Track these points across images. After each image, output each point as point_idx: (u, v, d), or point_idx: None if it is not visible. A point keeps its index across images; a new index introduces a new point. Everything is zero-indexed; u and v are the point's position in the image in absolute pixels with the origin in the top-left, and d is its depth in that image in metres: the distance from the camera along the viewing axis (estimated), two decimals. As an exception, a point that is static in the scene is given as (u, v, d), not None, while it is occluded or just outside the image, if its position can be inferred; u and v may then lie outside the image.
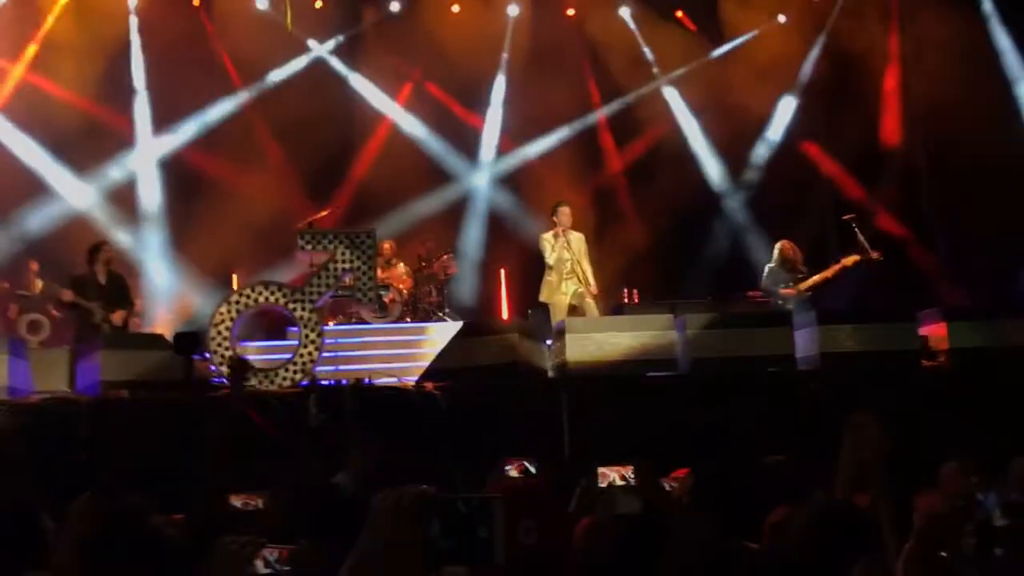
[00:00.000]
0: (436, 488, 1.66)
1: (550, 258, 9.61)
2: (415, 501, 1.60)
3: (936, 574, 2.67)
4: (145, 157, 12.74)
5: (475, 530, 1.59)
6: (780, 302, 9.63)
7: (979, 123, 11.49)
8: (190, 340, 7.38)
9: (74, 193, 12.18)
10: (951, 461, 4.73)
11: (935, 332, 8.18)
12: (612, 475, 2.69)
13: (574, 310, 9.50)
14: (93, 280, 8.80)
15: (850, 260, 9.66)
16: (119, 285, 8.99)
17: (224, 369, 7.57)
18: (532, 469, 3.37)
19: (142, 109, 12.78)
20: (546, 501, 1.89)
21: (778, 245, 9.93)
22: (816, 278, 9.67)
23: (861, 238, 9.76)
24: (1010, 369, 7.51)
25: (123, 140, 12.67)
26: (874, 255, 9.68)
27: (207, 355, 7.65)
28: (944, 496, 4.36)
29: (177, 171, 12.75)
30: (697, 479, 4.31)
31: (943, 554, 3.27)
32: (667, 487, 3.86)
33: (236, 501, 4.43)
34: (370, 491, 1.69)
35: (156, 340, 8.17)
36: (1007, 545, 2.98)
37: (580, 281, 9.58)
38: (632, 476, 3.38)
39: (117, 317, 8.70)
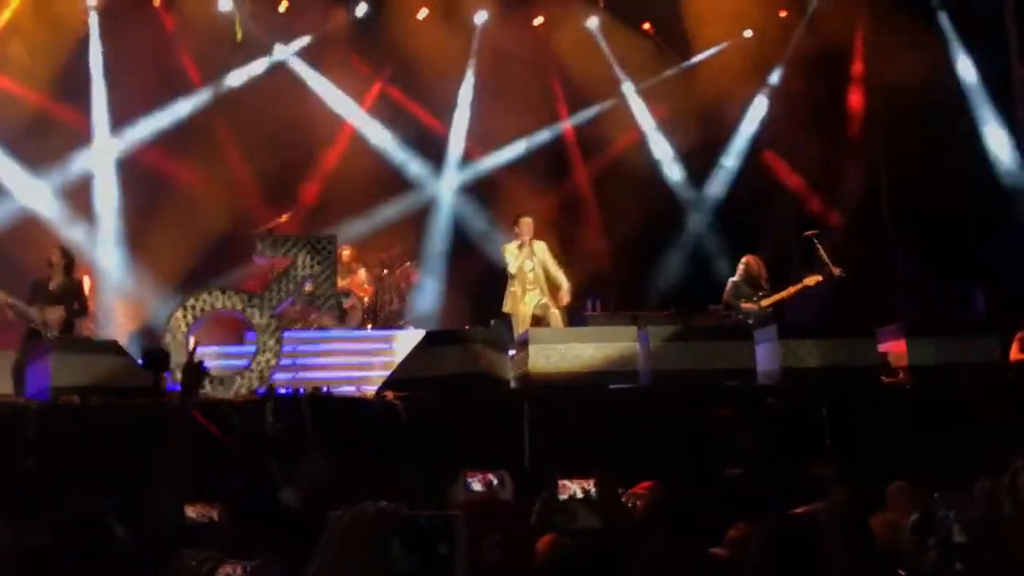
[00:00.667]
0: (395, 504, 1.60)
1: (512, 267, 9.63)
2: (374, 519, 1.54)
3: None
4: (102, 156, 12.49)
5: (436, 548, 1.54)
6: (742, 316, 9.67)
7: (940, 142, 11.68)
8: (160, 358, 7.26)
9: (27, 191, 11.91)
10: (899, 481, 4.74)
11: (895, 348, 8.26)
12: (573, 487, 2.64)
13: (538, 321, 9.51)
14: (44, 284, 8.63)
15: (812, 280, 9.75)
16: (71, 291, 8.76)
17: (177, 374, 7.41)
18: (496, 482, 3.31)
19: (100, 107, 12.53)
20: (512, 515, 1.83)
21: (743, 260, 9.99)
22: (777, 296, 9.74)
23: (823, 254, 9.84)
24: (968, 386, 7.59)
25: (80, 138, 12.43)
26: (836, 271, 9.77)
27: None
28: (896, 514, 4.37)
29: (134, 172, 12.50)
30: (659, 493, 4.28)
31: (901, 572, 3.26)
32: (628, 502, 3.83)
33: (191, 512, 4.31)
34: (321, 506, 1.62)
35: (110, 346, 7.99)
36: (967, 560, 2.97)
37: (543, 292, 9.59)
38: (593, 489, 3.34)
39: (52, 314, 8.45)
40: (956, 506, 3.09)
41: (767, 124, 14.13)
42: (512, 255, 9.67)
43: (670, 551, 2.48)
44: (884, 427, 7.13)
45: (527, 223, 9.72)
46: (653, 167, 14.03)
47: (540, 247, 9.77)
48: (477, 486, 3.28)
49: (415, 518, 1.57)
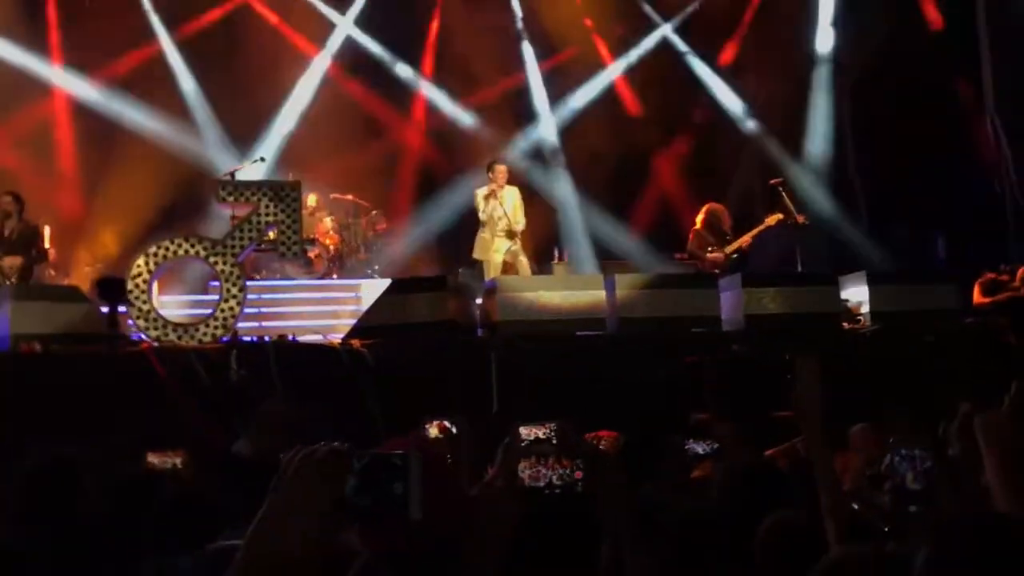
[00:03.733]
0: (347, 444, 1.60)
1: (483, 214, 9.60)
2: (325, 458, 1.54)
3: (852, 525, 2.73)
4: (60, 101, 12.21)
5: (391, 485, 1.55)
6: (707, 265, 9.72)
7: (904, 86, 11.73)
8: (114, 287, 7.17)
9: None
10: (861, 424, 4.84)
11: (857, 295, 8.37)
12: (534, 434, 2.66)
13: (507, 267, 9.51)
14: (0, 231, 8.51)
15: (773, 219, 9.79)
16: (28, 236, 8.64)
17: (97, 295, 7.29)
18: (453, 429, 3.32)
19: (57, 51, 12.22)
20: (436, 466, 1.83)
21: (705, 208, 10.01)
22: (741, 239, 9.79)
23: (788, 202, 9.89)
24: (929, 332, 7.73)
25: (38, 84, 12.13)
26: (800, 219, 9.82)
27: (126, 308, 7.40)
28: (856, 456, 4.46)
29: (93, 118, 12.25)
30: (624, 440, 4.32)
31: (855, 506, 3.35)
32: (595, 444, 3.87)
33: (153, 459, 4.30)
34: (279, 452, 1.62)
35: (70, 292, 7.89)
36: (920, 504, 3.04)
37: (513, 238, 9.59)
38: (553, 435, 3.36)
39: (9, 263, 8.34)
40: (910, 452, 3.15)
41: (733, 73, 14.08)
42: (483, 201, 9.67)
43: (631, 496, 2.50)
44: (846, 373, 7.23)
45: (501, 170, 9.75)
46: (621, 115, 13.94)
47: (511, 193, 9.75)
48: (434, 432, 3.29)
49: (368, 456, 1.57)
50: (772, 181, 10.24)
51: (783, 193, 9.96)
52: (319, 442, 1.61)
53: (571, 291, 7.94)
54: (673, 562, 2.44)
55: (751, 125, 13.89)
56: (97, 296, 7.23)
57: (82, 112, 12.29)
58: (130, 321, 7.52)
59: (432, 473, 1.62)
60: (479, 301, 8.49)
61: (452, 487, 1.92)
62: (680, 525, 2.78)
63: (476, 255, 9.80)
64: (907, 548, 1.89)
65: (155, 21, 12.71)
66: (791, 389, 2.81)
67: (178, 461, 4.17)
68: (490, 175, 9.75)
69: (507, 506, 2.01)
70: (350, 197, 12.07)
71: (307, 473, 1.52)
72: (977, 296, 9.50)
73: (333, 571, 1.79)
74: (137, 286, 7.48)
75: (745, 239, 9.77)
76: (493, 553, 1.86)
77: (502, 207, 9.59)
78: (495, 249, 9.62)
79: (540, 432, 2.73)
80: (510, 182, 9.91)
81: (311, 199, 11.55)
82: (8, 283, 8.20)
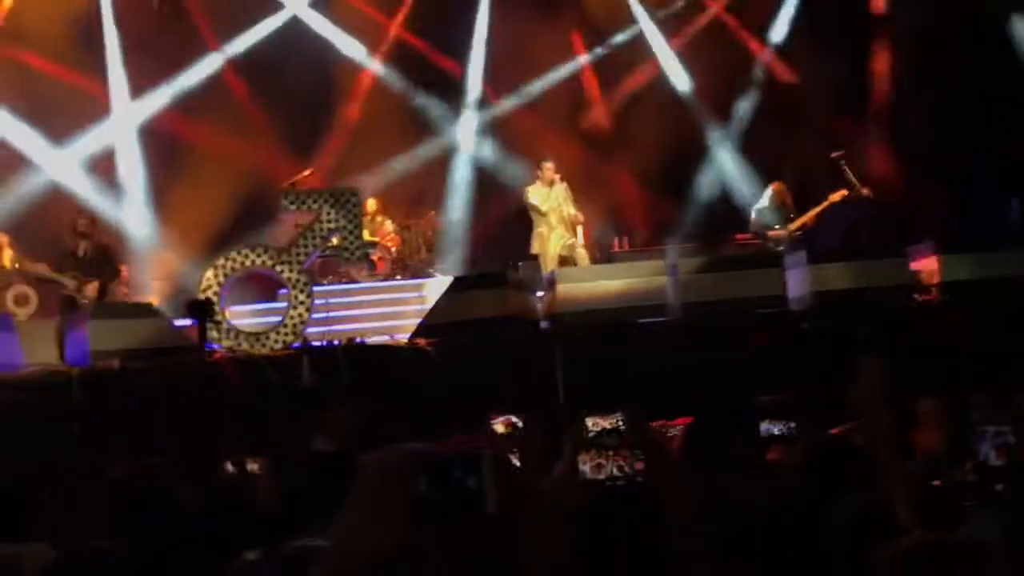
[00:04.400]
0: (423, 444, 1.62)
1: (543, 207, 9.71)
2: (401, 459, 1.56)
3: (933, 504, 2.67)
4: (122, 124, 12.53)
5: (464, 482, 1.57)
6: (771, 244, 9.59)
7: (967, 52, 11.38)
8: (202, 307, 7.39)
9: (52, 163, 11.99)
10: (929, 399, 4.69)
11: (927, 266, 8.17)
12: (600, 425, 2.65)
13: (564, 261, 9.52)
14: (72, 253, 8.80)
15: (837, 195, 9.63)
16: (101, 256, 8.92)
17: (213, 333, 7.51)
18: (519, 423, 3.34)
19: (117, 75, 12.54)
20: (504, 462, 1.85)
21: (769, 187, 9.88)
22: (805, 217, 9.63)
23: (850, 175, 9.71)
24: (1004, 300, 7.50)
25: (100, 108, 12.46)
26: (864, 191, 9.64)
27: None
28: (928, 432, 4.34)
29: (156, 137, 12.55)
30: (689, 427, 4.29)
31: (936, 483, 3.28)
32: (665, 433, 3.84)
33: (231, 466, 4.41)
34: (354, 451, 1.66)
35: (145, 309, 8.13)
36: (1005, 481, 2.98)
37: (569, 231, 9.63)
38: (620, 425, 3.35)
39: (91, 288, 8.65)
40: (992, 428, 3.08)
41: (788, 47, 13.82)
42: (540, 196, 9.79)
43: (701, 488, 2.49)
44: (918, 346, 7.08)
45: (549, 167, 9.89)
46: (674, 97, 13.79)
47: (562, 187, 9.83)
48: (500, 428, 3.31)
49: (442, 455, 1.59)
50: (833, 155, 10.05)
51: (845, 166, 9.77)
52: (392, 442, 1.64)
53: (633, 278, 7.92)
54: (739, 553, 2.41)
55: (808, 98, 13.62)
56: (188, 317, 7.48)
57: (144, 131, 12.59)
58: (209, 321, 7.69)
59: (502, 469, 1.64)
60: (540, 294, 8.51)
61: (519, 482, 1.94)
62: (747, 513, 2.76)
63: (534, 250, 9.90)
64: (978, 533, 1.85)
65: (209, 37, 12.94)
66: (852, 390, 2.76)
67: (256, 468, 4.27)
68: (539, 172, 9.96)
69: (568, 499, 2.02)
70: (409, 199, 12.15)
71: (385, 474, 1.55)
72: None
73: (412, 570, 1.82)
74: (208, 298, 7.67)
75: (809, 216, 9.62)
76: (557, 547, 1.88)
77: (565, 195, 9.70)
78: (552, 242, 9.66)
79: (607, 423, 2.73)
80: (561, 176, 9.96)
81: (370, 203, 11.69)
82: (85, 303, 8.47)
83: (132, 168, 12.44)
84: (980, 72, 11.47)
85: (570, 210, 9.76)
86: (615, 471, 2.09)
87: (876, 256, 8.07)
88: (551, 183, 9.78)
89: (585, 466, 2.10)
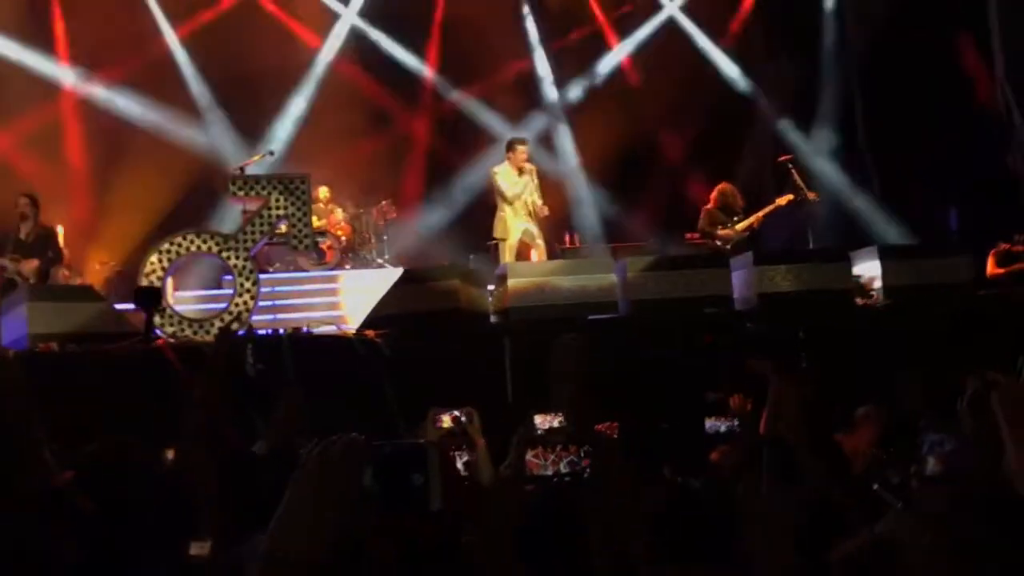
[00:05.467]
0: (366, 436, 1.61)
1: (510, 191, 9.24)
2: (344, 451, 1.55)
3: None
4: (68, 102, 12.27)
5: (409, 477, 1.56)
6: (718, 243, 9.71)
7: (914, 60, 11.63)
8: (150, 296, 7.26)
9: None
10: (866, 405, 4.78)
11: (869, 271, 8.34)
12: (548, 423, 2.67)
13: (524, 247, 9.35)
14: (15, 236, 8.61)
15: (784, 199, 9.80)
16: (43, 238, 8.72)
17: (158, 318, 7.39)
18: (464, 419, 3.35)
19: (63, 51, 12.26)
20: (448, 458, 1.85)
21: (717, 188, 9.99)
22: (752, 218, 9.77)
23: (797, 179, 9.87)
24: (944, 306, 7.68)
25: (44, 84, 12.17)
26: (810, 196, 9.80)
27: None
28: (861, 438, 4.42)
29: (102, 116, 12.30)
30: (627, 426, 4.33)
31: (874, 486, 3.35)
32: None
33: (172, 454, 4.34)
34: (297, 445, 1.64)
35: (85, 292, 7.95)
36: (941, 489, 3.04)
37: (532, 218, 9.33)
38: (567, 424, 3.38)
39: (27, 267, 8.45)
40: (935, 436, 3.14)
41: (740, 54, 14.00)
42: (508, 180, 9.24)
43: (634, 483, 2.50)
44: (859, 349, 7.22)
45: (523, 150, 9.31)
46: (629, 96, 13.88)
47: (530, 171, 9.36)
48: (447, 423, 3.32)
49: (386, 448, 1.58)
50: (781, 158, 10.21)
51: (793, 170, 9.93)
52: (337, 434, 1.61)
53: (582, 275, 7.94)
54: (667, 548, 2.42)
55: (759, 102, 13.82)
56: (135, 304, 7.35)
57: (90, 111, 12.33)
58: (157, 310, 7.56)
59: (445, 465, 1.64)
60: (491, 288, 8.51)
61: (463, 478, 1.95)
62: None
63: (496, 234, 9.46)
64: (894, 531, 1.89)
65: (159, 17, 12.72)
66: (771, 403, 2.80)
67: (191, 456, 4.21)
68: (509, 155, 9.34)
69: (515, 495, 2.03)
70: (361, 188, 12.08)
71: (327, 466, 1.53)
72: (991, 267, 9.45)
73: (354, 564, 1.81)
74: (151, 283, 7.53)
75: (756, 217, 9.76)
76: (503, 542, 1.88)
77: (532, 184, 9.26)
78: (515, 229, 9.34)
79: (556, 421, 2.75)
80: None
81: (322, 191, 11.59)
82: (25, 284, 8.27)
83: (76, 147, 12.18)
84: (923, 83, 11.73)
85: (536, 199, 9.33)
86: (564, 468, 2.11)
87: (820, 259, 8.21)
88: (520, 169, 9.27)
89: (532, 462, 2.12)
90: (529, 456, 2.14)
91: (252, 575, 1.48)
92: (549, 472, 2.12)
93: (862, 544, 2.21)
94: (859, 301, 8.12)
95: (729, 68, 14.02)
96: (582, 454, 2.13)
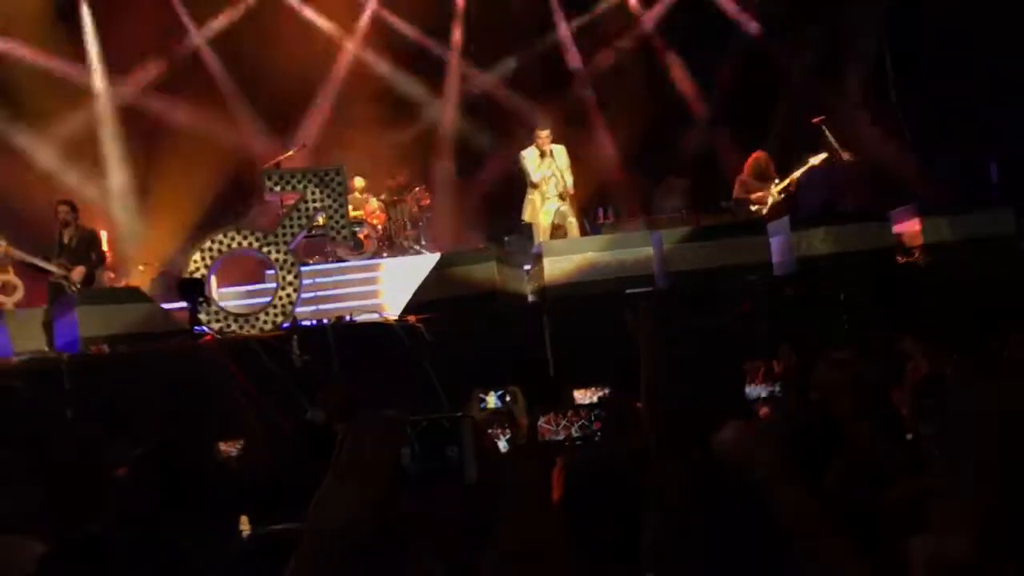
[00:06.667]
0: (401, 412, 1.64)
1: (534, 175, 9.36)
2: (381, 427, 1.58)
3: None
4: (101, 106, 12.47)
5: (444, 450, 1.60)
6: (754, 209, 9.65)
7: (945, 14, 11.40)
8: (193, 286, 7.42)
9: (33, 150, 11.92)
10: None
11: (909, 229, 8.24)
12: (588, 398, 2.70)
13: (556, 229, 9.41)
14: (59, 240, 8.80)
15: (817, 159, 9.69)
16: (86, 242, 8.91)
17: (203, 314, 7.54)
18: (508, 397, 3.39)
19: (95, 58, 12.45)
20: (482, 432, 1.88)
21: (752, 156, 9.93)
22: (786, 181, 9.69)
23: (831, 140, 9.75)
24: (986, 261, 7.58)
25: (79, 91, 12.38)
26: (845, 156, 9.69)
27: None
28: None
29: (137, 119, 12.49)
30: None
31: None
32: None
33: (225, 447, 4.45)
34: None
35: (132, 293, 8.13)
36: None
37: (563, 199, 9.38)
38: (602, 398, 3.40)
39: (76, 274, 8.66)
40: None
41: (765, 14, 13.79)
42: (533, 163, 9.37)
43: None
44: (901, 307, 7.15)
45: (543, 136, 9.41)
46: (655, 67, 13.78)
47: (560, 152, 9.46)
48: (490, 403, 3.37)
49: (421, 423, 1.61)
50: (815, 120, 10.09)
51: (826, 131, 9.81)
52: (373, 411, 1.64)
53: (618, 250, 7.94)
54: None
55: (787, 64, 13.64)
56: (179, 295, 7.51)
57: (124, 114, 12.52)
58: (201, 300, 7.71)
59: (480, 438, 1.66)
60: (527, 268, 8.54)
61: (494, 450, 1.98)
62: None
63: (526, 217, 9.57)
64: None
65: (185, 18, 12.86)
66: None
67: (243, 448, 4.32)
68: (536, 140, 9.44)
69: (532, 462, 2.05)
70: (392, 177, 12.16)
71: (363, 442, 1.57)
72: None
73: (394, 538, 1.86)
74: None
75: (791, 179, 9.69)
76: (525, 510, 1.90)
77: (555, 166, 9.33)
78: (545, 211, 9.43)
79: (594, 396, 2.78)
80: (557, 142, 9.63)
81: (358, 181, 11.69)
82: (73, 289, 8.47)
83: (113, 151, 12.39)
84: (955, 30, 11.48)
85: (568, 178, 9.36)
86: (575, 432, 2.13)
87: (858, 220, 8.12)
88: (543, 153, 9.36)
89: (544, 428, 2.15)
90: (541, 422, 2.18)
91: (295, 557, 1.52)
92: (561, 437, 2.15)
93: (911, 492, 2.23)
94: (901, 260, 8.04)
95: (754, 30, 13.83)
96: (592, 418, 2.16)
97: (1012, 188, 10.65)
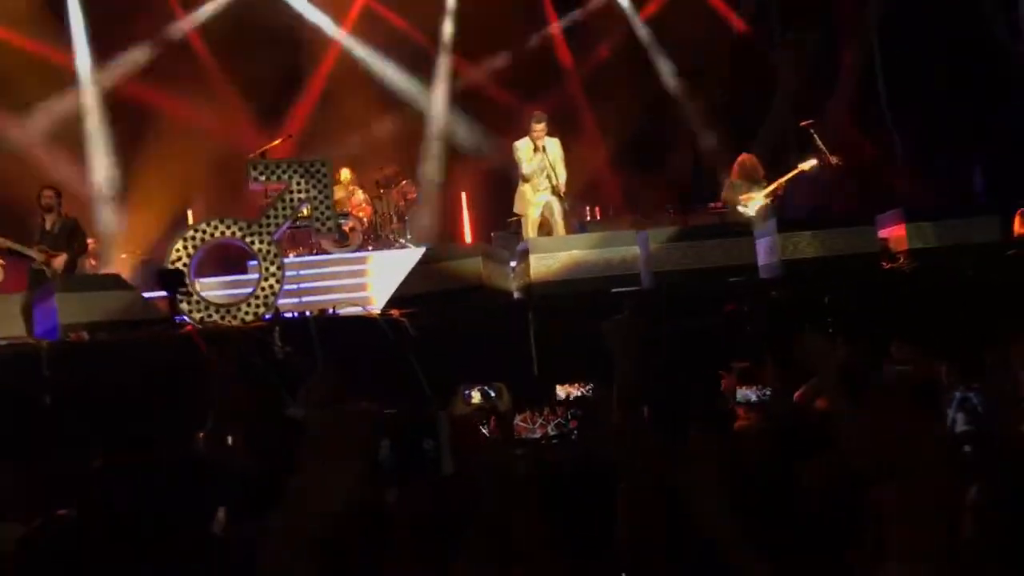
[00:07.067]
0: (377, 404, 1.62)
1: (526, 167, 9.23)
2: (357, 418, 1.55)
3: None
4: (87, 93, 12.35)
5: (420, 444, 1.59)
6: (742, 208, 9.65)
7: (934, 20, 11.45)
8: (175, 276, 7.34)
9: (16, 134, 11.80)
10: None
11: (895, 234, 8.26)
12: (571, 394, 2.68)
13: (545, 222, 9.35)
14: (40, 226, 8.70)
15: (807, 164, 9.70)
16: (68, 229, 8.83)
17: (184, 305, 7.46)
18: (492, 394, 3.36)
19: (80, 42, 12.33)
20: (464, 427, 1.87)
21: (738, 159, 9.93)
22: (774, 184, 9.70)
23: (820, 143, 9.77)
24: (969, 267, 7.61)
25: (64, 77, 12.26)
26: (833, 160, 9.71)
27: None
28: None
29: (122, 105, 12.38)
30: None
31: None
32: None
33: (204, 440, 4.39)
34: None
35: (113, 281, 8.04)
36: (972, 445, 3.04)
37: (553, 191, 9.29)
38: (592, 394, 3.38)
39: (57, 261, 8.58)
40: (964, 394, 3.13)
41: (757, 18, 13.82)
42: (526, 155, 9.22)
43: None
44: (886, 312, 7.18)
45: (538, 128, 9.25)
46: (645, 67, 13.77)
47: (553, 144, 9.33)
48: (476, 398, 3.34)
49: (399, 416, 1.60)
50: (803, 123, 10.10)
51: (815, 135, 9.83)
52: (346, 402, 1.62)
53: (604, 248, 7.92)
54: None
55: (777, 67, 13.67)
56: (159, 286, 7.43)
57: (110, 100, 12.41)
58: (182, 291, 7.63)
59: (470, 436, 1.65)
60: (513, 264, 8.51)
61: (476, 447, 1.96)
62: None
63: (516, 209, 9.49)
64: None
65: (174, 3, 12.76)
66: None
67: (228, 440, 4.27)
68: (532, 131, 9.27)
69: (507, 459, 2.03)
70: (379, 169, 12.11)
71: (338, 433, 1.53)
72: (1018, 227, 9.33)
73: (370, 530, 1.83)
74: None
75: (779, 183, 9.69)
76: (503, 504, 1.88)
77: (547, 160, 9.19)
78: (535, 204, 9.31)
79: (577, 391, 2.75)
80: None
81: (344, 173, 11.62)
82: (52, 273, 8.38)
83: (97, 137, 12.28)
84: (943, 39, 11.53)
85: (558, 173, 9.22)
86: (551, 431, 2.12)
87: (845, 224, 8.14)
88: (536, 147, 9.18)
89: (520, 426, 2.14)
90: (517, 420, 2.16)
91: (267, 549, 1.48)
92: (537, 435, 2.14)
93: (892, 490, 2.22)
94: (886, 265, 8.06)
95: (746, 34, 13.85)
96: (568, 417, 2.15)
97: (998, 194, 10.72)
